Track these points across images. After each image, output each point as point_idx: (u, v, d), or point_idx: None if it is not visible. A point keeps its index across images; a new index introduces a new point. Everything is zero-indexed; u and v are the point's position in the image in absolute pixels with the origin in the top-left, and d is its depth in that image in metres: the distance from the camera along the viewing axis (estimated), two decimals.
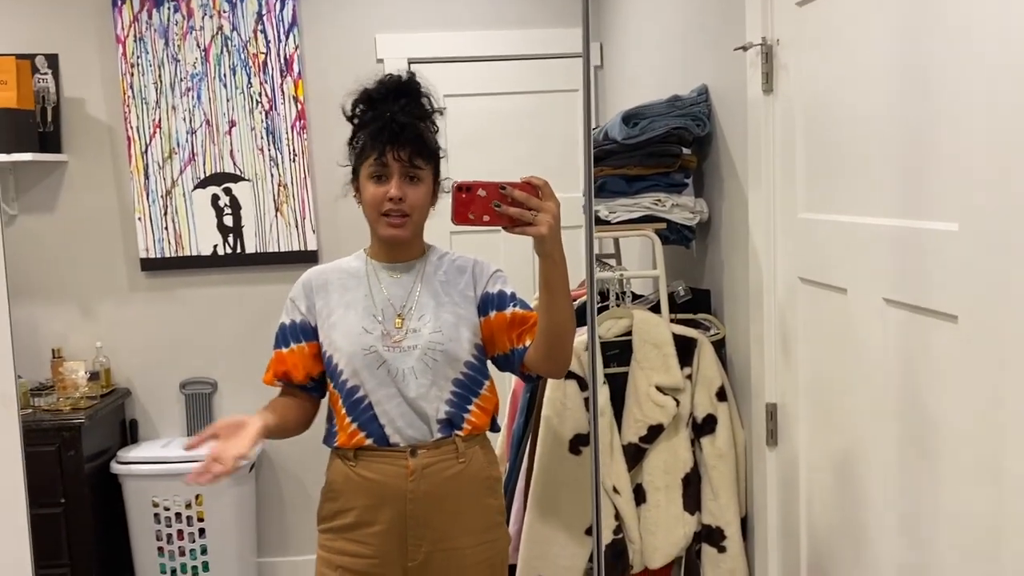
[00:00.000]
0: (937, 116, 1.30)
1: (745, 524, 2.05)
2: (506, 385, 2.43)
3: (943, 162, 1.29)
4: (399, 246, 1.74)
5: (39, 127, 3.21)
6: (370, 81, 1.72)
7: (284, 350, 1.75)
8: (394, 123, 1.64)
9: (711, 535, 2.02)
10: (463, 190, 1.51)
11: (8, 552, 1.24)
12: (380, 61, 3.35)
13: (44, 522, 2.80)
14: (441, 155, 1.75)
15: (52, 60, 3.24)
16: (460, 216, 1.52)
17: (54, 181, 3.31)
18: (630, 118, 2.10)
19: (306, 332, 1.75)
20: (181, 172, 3.31)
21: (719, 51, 2.10)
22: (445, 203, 1.61)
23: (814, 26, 1.69)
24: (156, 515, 3.10)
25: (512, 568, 2.03)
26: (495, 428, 1.81)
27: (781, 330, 1.88)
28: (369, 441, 1.69)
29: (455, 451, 1.70)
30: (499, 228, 1.51)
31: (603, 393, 2.00)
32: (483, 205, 1.50)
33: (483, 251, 1.86)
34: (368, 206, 1.69)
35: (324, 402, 1.81)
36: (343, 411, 1.71)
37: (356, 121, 1.72)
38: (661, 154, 2.11)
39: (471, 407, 1.73)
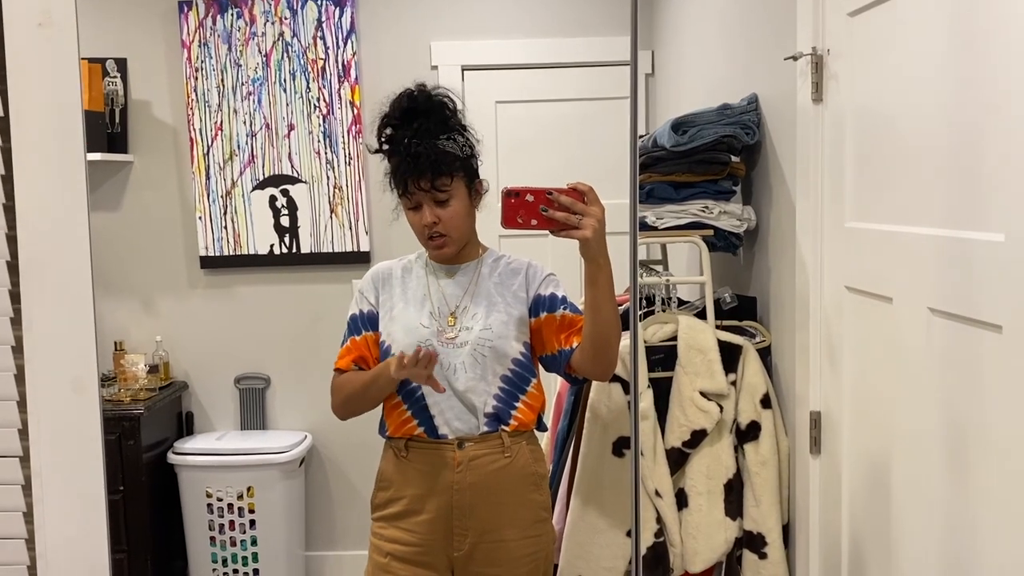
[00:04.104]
0: (986, 128, 1.31)
1: (787, 531, 2.05)
2: (551, 388, 2.46)
3: (990, 173, 1.29)
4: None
5: (107, 128, 3.34)
6: (386, 103, 1.75)
7: (358, 337, 1.82)
8: (408, 156, 1.68)
9: (752, 541, 2.03)
10: (512, 196, 1.56)
11: (85, 537, 1.31)
12: (434, 68, 3.41)
13: None
14: (475, 155, 1.75)
15: (121, 64, 3.37)
16: (509, 220, 1.57)
17: (120, 180, 3.44)
18: (679, 126, 2.13)
19: (373, 322, 1.82)
20: (241, 173, 3.41)
21: (769, 60, 2.11)
22: (495, 202, 1.65)
23: (865, 37, 1.70)
24: (209, 505, 3.20)
25: (554, 568, 2.06)
26: (542, 427, 1.85)
27: (827, 338, 1.89)
28: (420, 430, 1.75)
29: (501, 445, 1.75)
30: (546, 232, 1.56)
31: (647, 397, 2.03)
32: (531, 210, 1.56)
33: (531, 254, 1.89)
34: (413, 232, 1.77)
35: None
36: (397, 398, 1.78)
37: (383, 150, 1.77)
38: (710, 161, 2.13)
39: (518, 404, 1.78)
